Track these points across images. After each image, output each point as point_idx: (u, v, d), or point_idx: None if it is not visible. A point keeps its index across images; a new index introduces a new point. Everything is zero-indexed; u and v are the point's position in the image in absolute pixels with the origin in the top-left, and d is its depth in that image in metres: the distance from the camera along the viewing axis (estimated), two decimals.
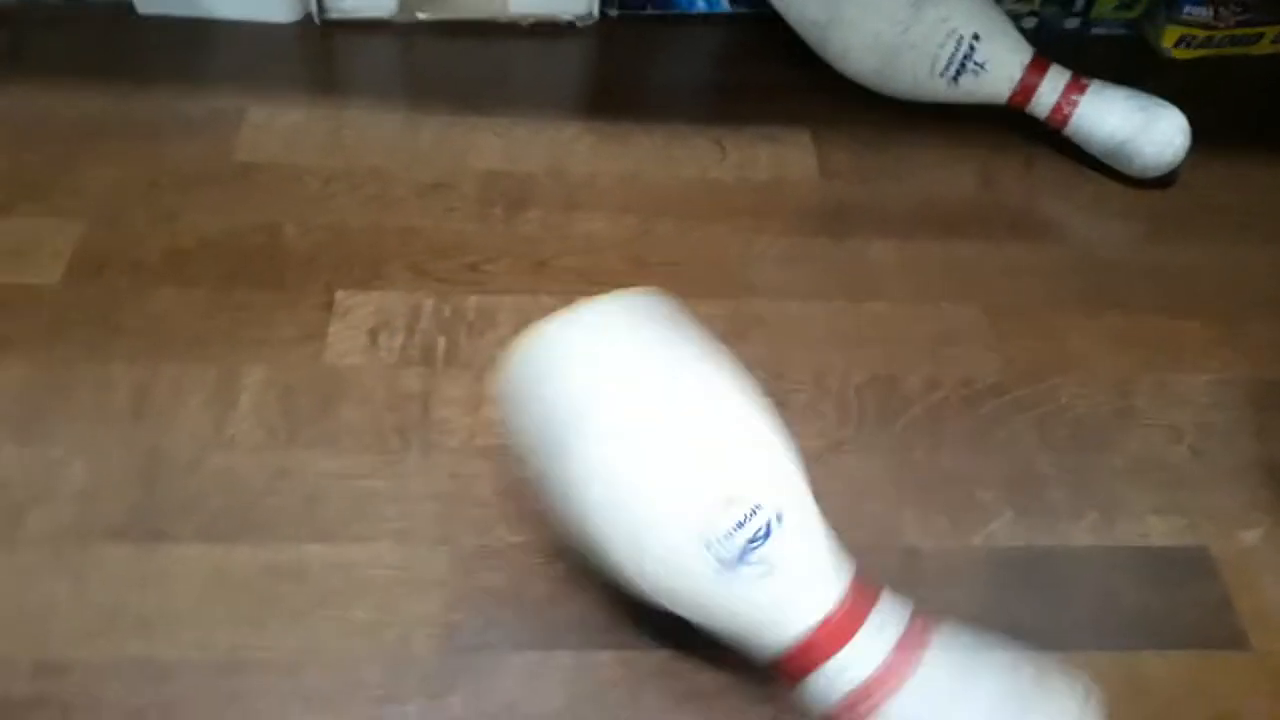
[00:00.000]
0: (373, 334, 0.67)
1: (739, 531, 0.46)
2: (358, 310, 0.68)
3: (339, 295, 0.69)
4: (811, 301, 0.72)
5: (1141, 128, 0.79)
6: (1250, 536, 0.61)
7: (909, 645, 0.47)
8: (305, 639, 0.53)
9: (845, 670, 0.46)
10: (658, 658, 0.54)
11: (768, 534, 0.47)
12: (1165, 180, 0.81)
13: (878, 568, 0.57)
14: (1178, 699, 0.54)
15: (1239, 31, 0.94)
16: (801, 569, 0.48)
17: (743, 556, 0.46)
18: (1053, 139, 0.83)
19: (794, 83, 0.88)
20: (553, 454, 0.49)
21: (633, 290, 0.54)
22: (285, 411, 0.62)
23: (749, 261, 0.74)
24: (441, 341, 0.67)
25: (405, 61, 0.88)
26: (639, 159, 0.81)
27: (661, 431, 0.48)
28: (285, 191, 0.76)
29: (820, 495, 0.60)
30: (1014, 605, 0.57)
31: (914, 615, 0.48)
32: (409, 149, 0.80)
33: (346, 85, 0.86)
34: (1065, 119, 0.81)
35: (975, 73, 0.80)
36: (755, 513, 0.46)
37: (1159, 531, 0.61)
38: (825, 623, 0.47)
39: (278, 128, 0.80)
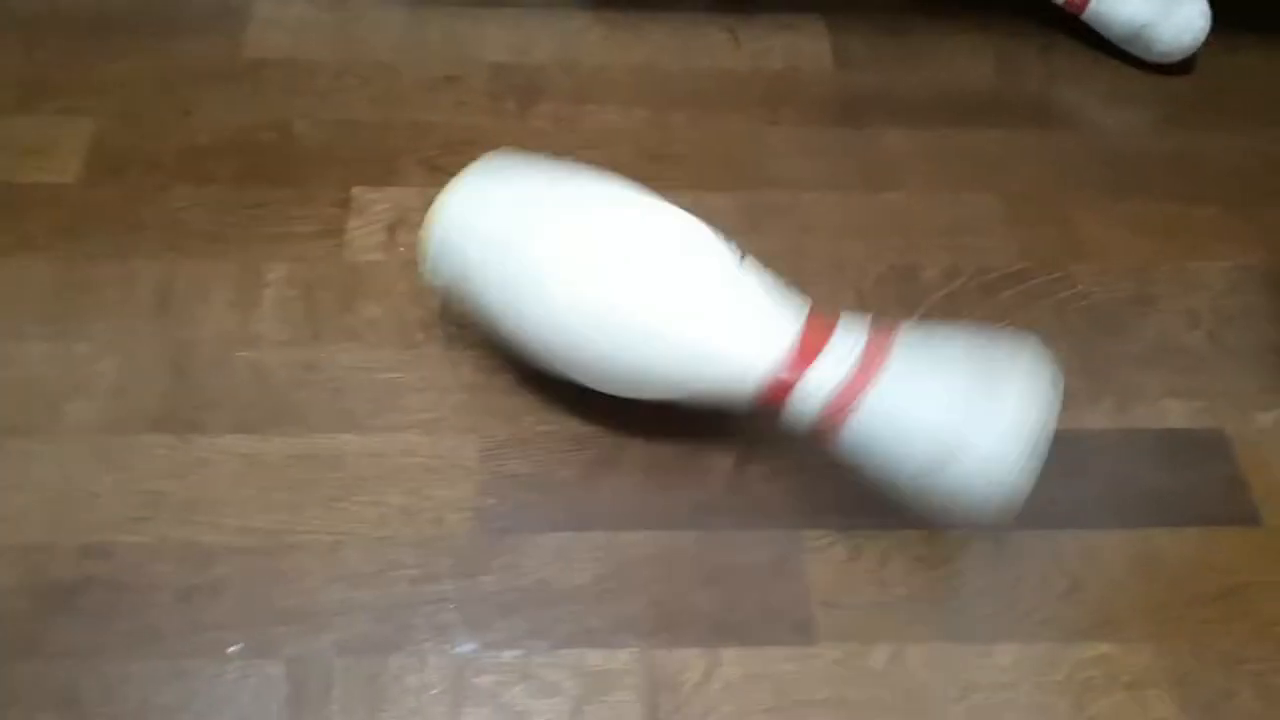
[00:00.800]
0: (390, 230, 0.67)
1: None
2: (374, 206, 0.68)
3: (355, 191, 0.69)
4: (828, 191, 0.72)
5: (1161, 12, 0.77)
6: (1266, 419, 0.62)
7: (875, 349, 0.51)
8: (342, 523, 0.55)
9: (820, 384, 0.50)
10: (686, 538, 0.55)
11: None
12: (1185, 66, 0.80)
13: None
14: (1189, 574, 0.56)
15: None
16: (766, 301, 0.53)
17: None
18: (1070, 25, 0.82)
19: None
20: (501, 274, 0.54)
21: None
22: (308, 307, 0.63)
23: (764, 152, 0.74)
24: None
25: None
26: (651, 50, 0.80)
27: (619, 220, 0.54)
28: (295, 87, 0.75)
29: None
30: (1033, 486, 0.58)
31: (876, 324, 0.52)
32: (417, 42, 0.79)
33: None
34: (1083, 4, 0.80)
35: None
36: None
37: (1175, 414, 0.62)
38: (793, 346, 0.51)
39: (286, 22, 0.79)
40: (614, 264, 0.52)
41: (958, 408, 0.49)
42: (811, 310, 0.53)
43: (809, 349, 0.51)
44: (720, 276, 0.53)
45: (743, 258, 0.54)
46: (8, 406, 0.57)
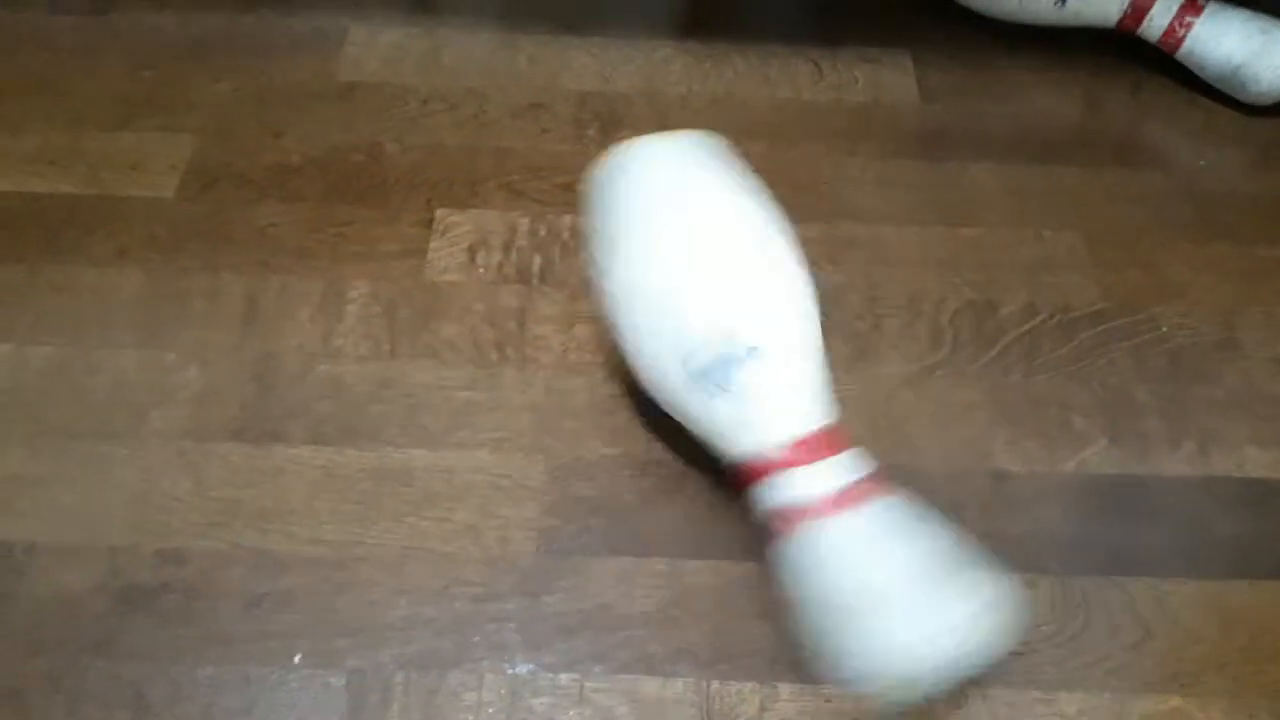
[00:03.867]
0: (471, 251, 0.68)
1: (708, 355, 0.51)
2: (456, 228, 0.70)
3: (438, 213, 0.71)
4: (907, 225, 0.71)
5: (1259, 51, 0.76)
6: None
7: (855, 492, 0.50)
8: (409, 537, 0.56)
9: (792, 485, 0.50)
10: (746, 569, 0.55)
11: (733, 365, 0.51)
12: None
13: (966, 489, 0.58)
14: (1267, 629, 0.54)
15: None
16: (770, 399, 0.51)
17: (707, 377, 0.51)
18: (1161, 62, 0.81)
19: (895, 3, 0.86)
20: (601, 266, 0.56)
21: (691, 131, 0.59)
22: (389, 324, 0.64)
23: (843, 184, 0.74)
24: (537, 260, 0.68)
25: None
26: (733, 80, 0.81)
27: (676, 261, 0.53)
28: (385, 110, 0.77)
29: (910, 418, 0.61)
30: (1104, 531, 0.57)
31: (872, 474, 0.51)
32: (505, 69, 0.81)
33: (443, 4, 0.86)
34: (1178, 43, 0.78)
35: None
36: (728, 345, 0.51)
37: (1256, 463, 0.60)
38: (784, 448, 0.50)
39: (378, 47, 0.82)
40: (687, 296, 0.53)
41: (903, 582, 0.48)
42: (818, 429, 0.51)
43: (794, 459, 0.50)
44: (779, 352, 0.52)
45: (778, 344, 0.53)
46: (96, 411, 0.60)
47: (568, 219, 0.70)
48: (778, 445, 0.50)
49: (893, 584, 0.47)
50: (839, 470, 0.50)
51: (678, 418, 0.54)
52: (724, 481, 0.57)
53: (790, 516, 0.50)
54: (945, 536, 0.50)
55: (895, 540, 0.49)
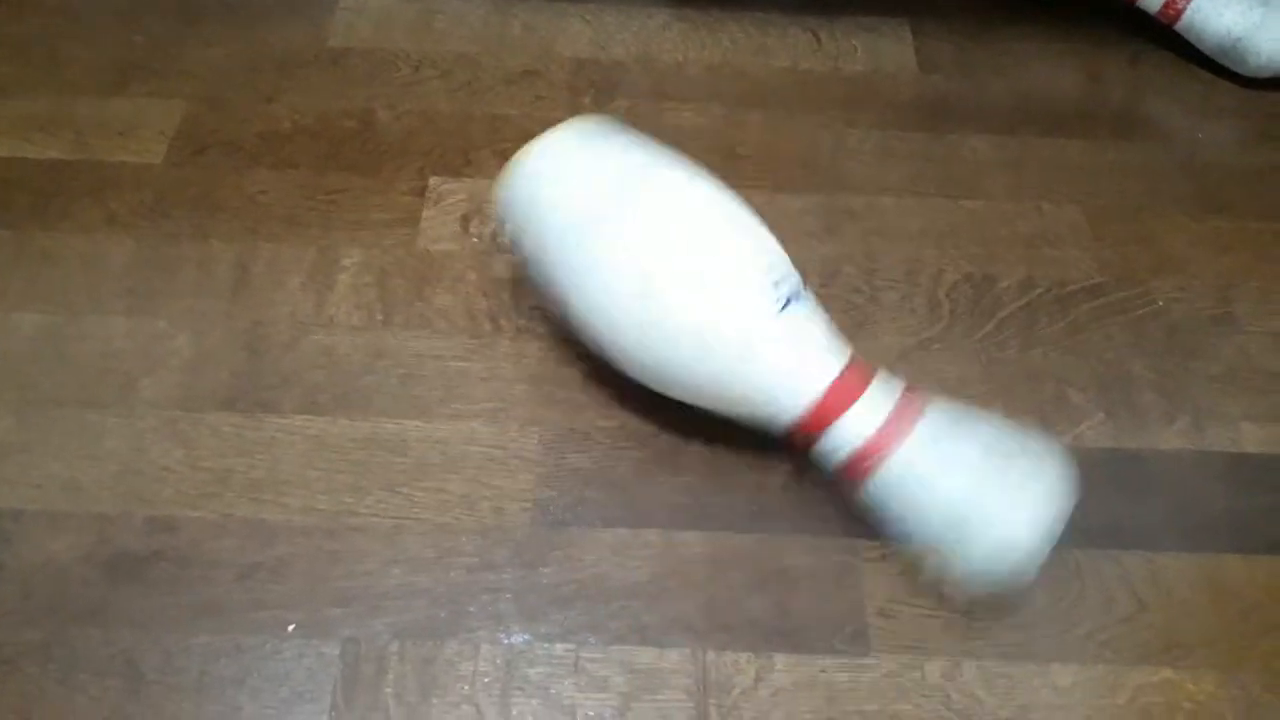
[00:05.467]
0: (464, 220, 0.68)
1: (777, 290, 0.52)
2: (450, 197, 0.69)
3: (431, 181, 0.70)
4: (905, 197, 0.71)
5: (1259, 24, 0.75)
6: None
7: (905, 409, 0.51)
8: (403, 507, 0.55)
9: (850, 430, 0.51)
10: (742, 541, 0.55)
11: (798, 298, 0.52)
12: None
13: None
14: (1260, 604, 0.54)
15: None
16: (811, 342, 0.52)
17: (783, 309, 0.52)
18: (1160, 35, 0.80)
19: None
20: (571, 250, 0.54)
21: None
22: (381, 293, 0.64)
23: (841, 155, 0.73)
24: None
25: None
26: (730, 48, 0.80)
27: (685, 224, 0.53)
28: (377, 76, 0.76)
29: None
30: (1099, 504, 0.57)
31: (908, 387, 0.52)
32: (498, 35, 0.80)
33: None
34: (1178, 14, 0.78)
35: None
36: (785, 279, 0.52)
37: (1252, 438, 0.60)
38: (830, 390, 0.51)
39: (369, 12, 0.81)
40: (670, 276, 0.52)
41: (978, 482, 0.50)
42: (851, 359, 0.53)
43: (842, 396, 0.51)
44: (771, 307, 0.52)
45: (803, 286, 0.53)
46: (85, 378, 0.59)
47: None
48: (823, 389, 0.51)
49: (977, 487, 0.50)
50: (884, 395, 0.51)
51: (707, 403, 0.54)
52: (719, 453, 0.57)
53: (861, 458, 0.51)
54: (987, 418, 0.52)
55: (960, 443, 0.51)
